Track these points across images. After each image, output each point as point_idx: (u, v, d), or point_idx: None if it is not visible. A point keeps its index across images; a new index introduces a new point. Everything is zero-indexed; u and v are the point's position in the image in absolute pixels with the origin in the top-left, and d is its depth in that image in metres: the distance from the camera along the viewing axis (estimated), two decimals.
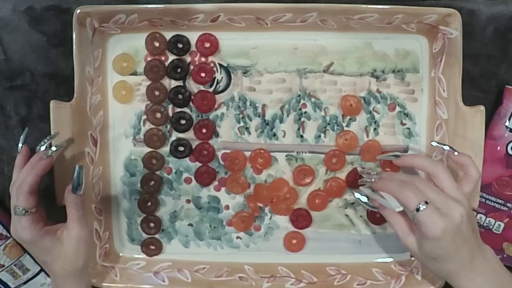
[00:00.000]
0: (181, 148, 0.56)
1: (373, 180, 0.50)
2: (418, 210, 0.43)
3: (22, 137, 0.51)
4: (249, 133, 0.57)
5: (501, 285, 0.46)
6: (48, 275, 0.60)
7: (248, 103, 0.56)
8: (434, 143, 0.52)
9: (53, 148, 0.49)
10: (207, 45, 0.55)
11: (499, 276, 0.46)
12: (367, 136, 0.56)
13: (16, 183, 0.47)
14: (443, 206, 0.44)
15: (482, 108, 0.51)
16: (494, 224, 0.57)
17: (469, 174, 0.48)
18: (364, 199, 0.52)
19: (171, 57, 0.55)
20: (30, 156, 0.50)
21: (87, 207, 0.55)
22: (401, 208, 0.46)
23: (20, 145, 0.51)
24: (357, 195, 0.52)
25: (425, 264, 0.48)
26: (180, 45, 0.55)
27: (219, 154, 0.57)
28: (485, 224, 0.57)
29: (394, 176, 0.49)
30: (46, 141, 0.50)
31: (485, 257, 0.46)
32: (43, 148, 0.50)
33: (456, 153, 0.50)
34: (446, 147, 0.50)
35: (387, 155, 0.53)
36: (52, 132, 0.52)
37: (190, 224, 0.58)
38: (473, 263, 0.45)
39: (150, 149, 0.57)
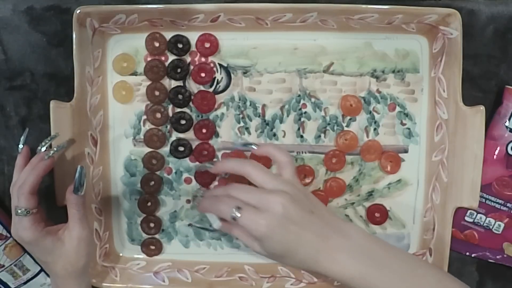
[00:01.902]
0: (181, 148, 0.56)
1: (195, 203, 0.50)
2: (234, 218, 0.43)
3: (22, 137, 0.51)
4: (249, 133, 0.57)
5: (371, 257, 0.44)
6: (48, 275, 0.60)
7: (248, 103, 0.56)
8: (238, 146, 0.53)
9: (54, 149, 0.49)
10: (207, 45, 0.55)
11: (368, 249, 0.44)
12: (367, 136, 0.56)
13: (17, 183, 0.47)
14: (260, 203, 0.43)
15: (482, 108, 0.51)
16: (494, 224, 0.57)
17: (279, 161, 0.47)
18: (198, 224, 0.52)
19: (171, 57, 0.55)
20: (30, 157, 0.50)
21: (87, 207, 0.55)
22: (218, 224, 0.46)
23: (20, 145, 0.51)
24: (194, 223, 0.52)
25: (282, 264, 0.47)
26: (180, 45, 0.55)
27: (219, 154, 0.57)
28: (485, 224, 0.57)
29: (211, 193, 0.49)
30: (47, 141, 0.50)
31: (345, 235, 0.44)
32: (43, 148, 0.50)
33: (254, 147, 0.49)
34: (241, 146, 0.51)
35: (201, 165, 0.54)
36: (52, 133, 0.52)
37: (190, 224, 0.58)
38: (329, 244, 0.43)
39: (150, 149, 0.57)
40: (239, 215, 0.43)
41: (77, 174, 0.47)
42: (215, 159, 0.56)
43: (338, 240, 0.44)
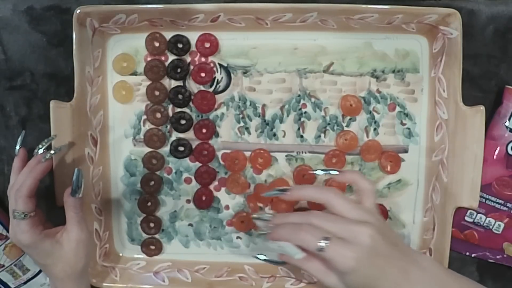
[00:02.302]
0: (181, 148, 0.56)
1: (268, 231, 0.46)
2: (321, 250, 0.40)
3: (19, 139, 0.51)
4: (249, 133, 0.57)
5: None
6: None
7: (248, 103, 0.56)
8: (310, 172, 0.51)
9: (52, 152, 0.49)
10: (207, 45, 0.55)
11: (442, 282, 0.42)
12: (367, 136, 0.56)
13: (14, 186, 0.47)
14: (347, 234, 0.40)
15: (482, 108, 0.51)
16: (494, 224, 0.57)
17: (362, 189, 0.45)
18: (264, 257, 0.48)
19: (171, 57, 0.55)
20: (28, 159, 0.50)
21: (87, 207, 0.55)
22: (301, 255, 0.43)
23: (17, 147, 0.50)
24: (260, 257, 0.48)
25: None
26: (180, 45, 0.55)
27: (219, 154, 0.57)
28: (485, 224, 0.57)
29: (287, 219, 0.45)
30: (44, 143, 0.50)
31: (422, 267, 0.42)
32: (41, 151, 0.49)
33: (336, 173, 0.47)
34: (320, 172, 0.47)
35: (272, 192, 0.48)
36: (52, 133, 0.52)
37: (190, 224, 0.58)
38: (409, 278, 0.41)
39: (150, 149, 0.57)
40: (326, 246, 0.40)
41: (74, 177, 0.47)
42: (279, 189, 0.48)
43: (416, 273, 0.42)
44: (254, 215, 0.51)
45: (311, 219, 0.43)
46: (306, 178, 0.56)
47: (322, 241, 0.40)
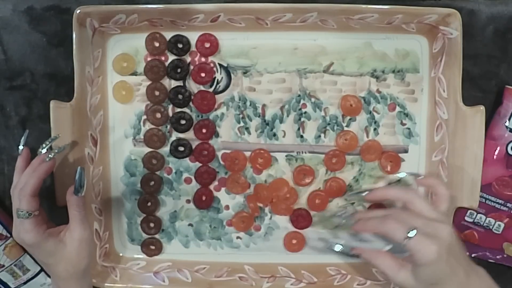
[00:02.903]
0: (181, 148, 0.56)
1: (351, 222, 0.49)
2: (408, 238, 0.42)
3: (22, 139, 0.51)
4: (249, 133, 0.57)
5: None
6: (48, 275, 0.60)
7: (248, 103, 0.56)
8: (400, 175, 0.53)
9: (55, 151, 0.49)
10: (207, 45, 0.55)
11: None
12: (367, 136, 0.56)
13: (18, 186, 0.47)
14: (430, 229, 0.43)
15: (482, 108, 0.51)
16: (494, 224, 0.57)
17: (440, 194, 0.48)
18: (339, 248, 0.50)
19: (171, 57, 0.55)
20: (31, 158, 0.50)
21: (87, 207, 0.55)
22: (390, 246, 0.46)
23: (20, 147, 0.50)
24: (337, 247, 0.50)
25: None
26: (180, 45, 0.55)
27: (219, 154, 0.57)
28: (485, 224, 0.57)
29: (371, 214, 0.48)
30: (47, 143, 0.50)
31: (479, 275, 0.46)
32: (44, 150, 0.50)
33: (421, 177, 0.50)
34: (404, 175, 0.50)
35: (356, 192, 0.53)
36: (52, 133, 0.52)
37: (190, 224, 0.58)
38: (469, 281, 0.44)
39: (150, 149, 0.57)
40: (413, 236, 0.42)
41: (77, 176, 0.47)
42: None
43: (475, 279, 0.45)
44: (333, 212, 0.55)
45: (396, 213, 0.46)
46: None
47: (410, 231, 0.42)
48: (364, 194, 0.51)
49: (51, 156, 0.49)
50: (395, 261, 0.46)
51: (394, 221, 0.44)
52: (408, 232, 0.42)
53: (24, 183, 0.47)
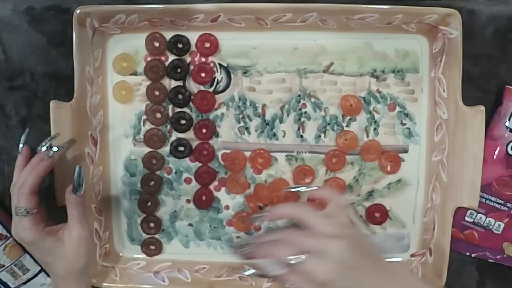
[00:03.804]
0: (181, 148, 0.56)
1: (249, 251, 0.48)
2: (298, 264, 0.43)
3: (22, 137, 0.51)
4: (249, 133, 0.57)
5: None
6: (48, 275, 0.60)
7: (248, 103, 0.56)
8: (284, 190, 0.53)
9: (54, 149, 0.49)
10: (207, 45, 0.55)
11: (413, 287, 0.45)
12: (367, 136, 0.56)
13: (17, 184, 0.47)
14: (320, 248, 0.43)
15: (482, 108, 0.51)
16: (494, 224, 0.57)
17: (334, 203, 0.47)
18: (251, 271, 0.49)
19: (171, 57, 0.55)
20: (31, 157, 0.50)
21: (87, 207, 0.55)
22: (283, 270, 0.44)
23: (21, 145, 0.51)
24: (248, 272, 0.49)
25: None
26: (180, 45, 0.55)
27: (219, 154, 0.57)
28: (485, 224, 0.57)
29: (265, 238, 0.48)
30: (47, 141, 0.50)
31: (396, 275, 0.45)
32: (44, 148, 0.50)
33: (315, 188, 0.50)
34: (302, 188, 0.50)
35: (258, 216, 0.51)
36: (52, 133, 0.52)
37: (190, 224, 0.58)
38: (385, 286, 0.44)
39: (150, 149, 0.57)
40: (302, 260, 0.42)
41: (75, 174, 0.47)
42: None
43: (391, 280, 0.44)
44: (237, 240, 0.56)
45: (287, 235, 0.45)
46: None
47: (296, 256, 0.43)
48: (265, 214, 0.49)
49: (50, 154, 0.49)
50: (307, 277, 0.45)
51: (282, 247, 0.44)
52: (297, 257, 0.42)
53: (23, 181, 0.47)
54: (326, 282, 0.42)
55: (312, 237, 0.44)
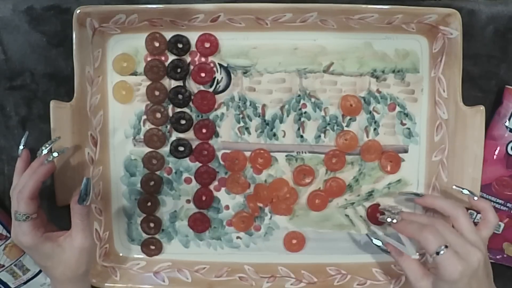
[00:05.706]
0: (181, 148, 0.56)
1: (393, 220, 0.50)
2: (438, 253, 0.44)
3: (22, 140, 0.50)
4: (249, 133, 0.57)
5: None
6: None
7: (248, 103, 0.56)
8: (454, 187, 0.52)
9: (55, 154, 0.48)
10: (207, 45, 0.55)
11: None
12: (367, 136, 0.56)
13: (17, 188, 0.47)
14: (462, 250, 0.44)
15: (482, 108, 0.51)
16: None
17: (487, 220, 0.49)
18: (379, 243, 0.52)
19: (171, 57, 0.55)
20: (30, 160, 0.50)
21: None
22: (417, 256, 0.48)
23: (20, 148, 0.50)
24: (375, 241, 0.52)
25: None
26: (180, 45, 0.55)
27: (219, 154, 0.57)
28: None
29: (414, 218, 0.50)
30: (47, 145, 0.49)
31: None
32: (44, 152, 0.49)
33: (475, 198, 0.50)
34: (466, 191, 0.50)
35: (408, 192, 0.56)
36: (52, 133, 0.52)
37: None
38: None
39: (150, 149, 0.57)
40: (444, 252, 0.44)
41: (82, 185, 0.47)
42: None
43: None
44: (382, 206, 0.56)
45: (436, 224, 0.46)
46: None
47: (442, 247, 0.44)
48: (414, 196, 0.53)
49: (51, 159, 0.48)
50: (420, 269, 0.48)
51: (431, 233, 0.45)
52: (441, 248, 0.44)
53: (22, 185, 0.46)
54: (451, 280, 0.44)
55: (460, 238, 0.45)
